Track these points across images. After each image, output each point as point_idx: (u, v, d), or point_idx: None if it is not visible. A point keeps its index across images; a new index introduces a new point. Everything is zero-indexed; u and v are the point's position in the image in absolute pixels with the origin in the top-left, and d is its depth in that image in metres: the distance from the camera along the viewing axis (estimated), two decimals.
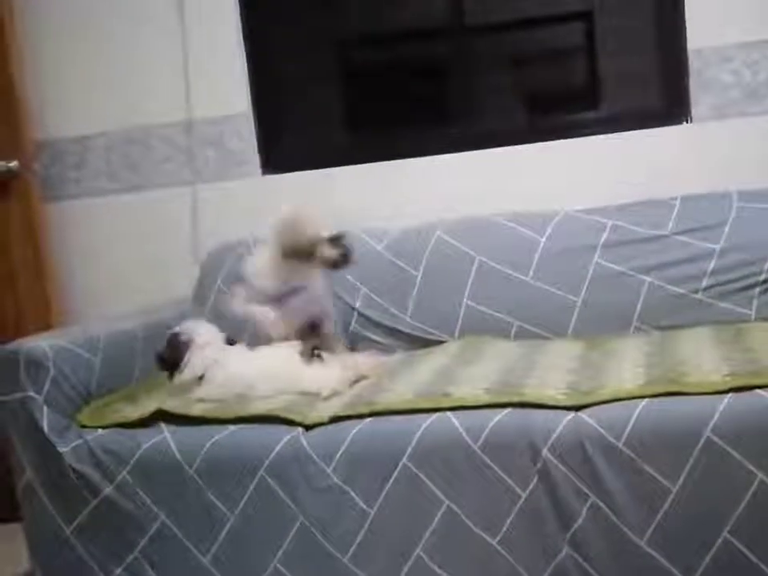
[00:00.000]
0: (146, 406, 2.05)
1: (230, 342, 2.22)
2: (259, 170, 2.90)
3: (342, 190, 2.81)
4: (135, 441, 1.97)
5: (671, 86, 2.68)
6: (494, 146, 2.74)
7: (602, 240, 2.42)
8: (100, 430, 2.02)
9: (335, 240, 2.20)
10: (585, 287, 2.38)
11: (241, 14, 2.87)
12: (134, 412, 2.05)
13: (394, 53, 3.00)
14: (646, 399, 1.74)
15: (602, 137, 2.68)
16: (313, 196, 2.80)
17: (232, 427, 1.94)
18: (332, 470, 1.85)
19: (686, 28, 2.61)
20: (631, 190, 2.55)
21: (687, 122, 2.64)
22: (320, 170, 2.85)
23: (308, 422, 1.90)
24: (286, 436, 1.89)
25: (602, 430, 1.72)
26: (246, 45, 2.87)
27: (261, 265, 2.27)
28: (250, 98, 2.89)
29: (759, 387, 1.70)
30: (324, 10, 2.97)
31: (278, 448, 1.87)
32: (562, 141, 2.71)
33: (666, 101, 2.71)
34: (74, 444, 2.01)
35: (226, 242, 2.74)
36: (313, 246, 2.18)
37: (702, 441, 1.67)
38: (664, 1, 2.67)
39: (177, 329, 2.18)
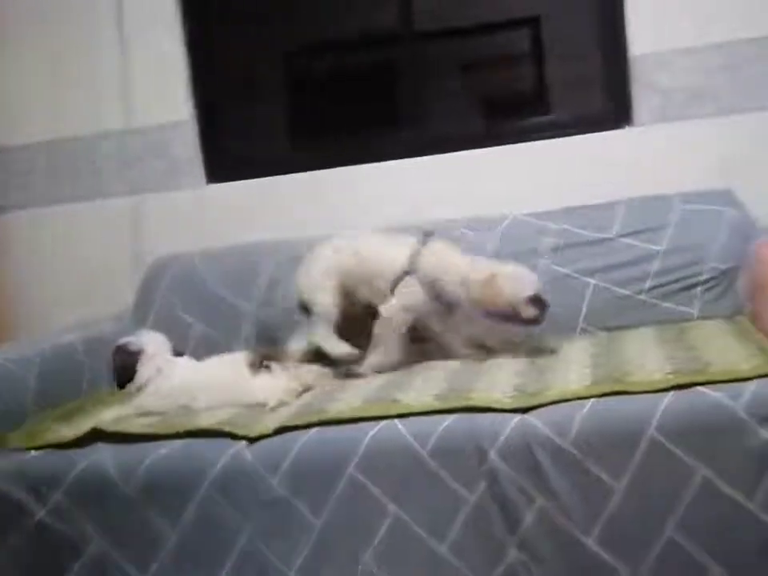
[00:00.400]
0: (83, 425, 1.99)
1: (178, 353, 2.17)
2: (203, 180, 2.87)
3: (291, 198, 2.78)
4: (70, 461, 1.90)
5: (615, 90, 2.71)
6: (444, 152, 2.74)
7: (550, 243, 2.43)
8: (33, 452, 1.95)
9: (534, 299, 2.11)
10: None
11: (182, 22, 2.84)
12: (69, 431, 1.98)
13: (343, 60, 2.99)
14: (592, 399, 1.74)
15: (550, 141, 2.70)
16: (259, 205, 2.77)
17: (173, 443, 1.89)
18: (278, 482, 1.81)
19: (626, 34, 2.63)
20: (578, 194, 2.56)
21: (631, 126, 2.66)
22: (267, 179, 2.81)
23: (253, 434, 1.86)
24: (229, 450, 1.84)
25: (548, 432, 1.71)
26: (188, 53, 2.84)
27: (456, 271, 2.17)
28: (193, 106, 2.85)
29: (701, 384, 1.71)
30: (271, 16, 2.94)
31: (221, 462, 1.83)
32: (511, 145, 2.72)
33: (611, 105, 2.74)
34: (4, 466, 1.93)
35: (169, 253, 2.69)
36: (513, 306, 2.10)
37: (646, 439, 1.67)
38: (606, 7, 2.70)
39: (125, 339, 2.14)
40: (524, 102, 2.92)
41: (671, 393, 1.71)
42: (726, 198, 2.45)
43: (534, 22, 2.88)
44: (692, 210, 2.42)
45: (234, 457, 1.83)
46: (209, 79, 2.89)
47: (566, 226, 2.44)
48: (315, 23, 2.95)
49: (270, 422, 1.89)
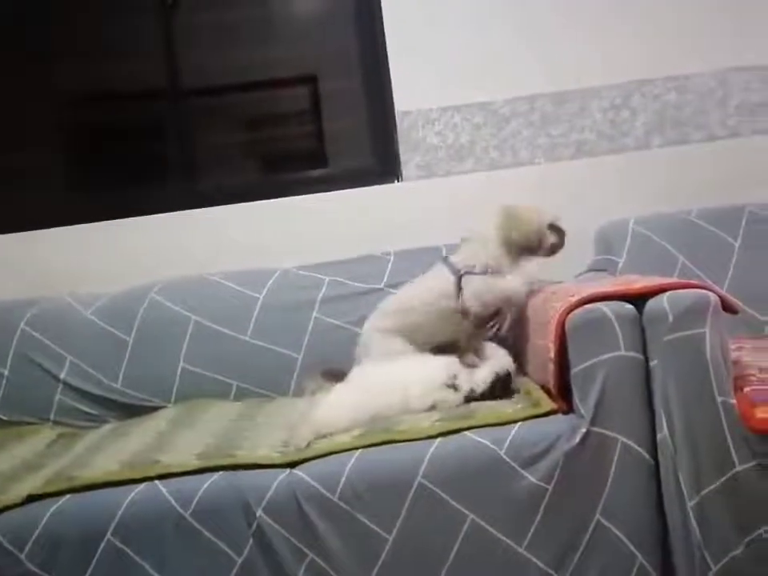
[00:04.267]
0: None
1: None
2: None
3: (49, 253, 2.62)
4: None
5: (383, 146, 2.79)
6: (214, 205, 2.68)
7: (320, 295, 2.44)
8: None
9: (553, 226, 2.18)
10: (305, 343, 2.38)
11: None
12: None
13: (114, 113, 2.88)
14: (360, 450, 1.74)
15: (324, 194, 2.72)
16: (11, 260, 2.58)
17: None
18: (26, 555, 1.66)
19: (392, 91, 2.72)
20: (350, 246, 2.58)
21: (399, 181, 2.75)
22: (21, 233, 2.64)
23: None
24: None
25: (316, 485, 1.69)
26: None
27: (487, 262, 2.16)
28: None
29: (467, 429, 1.74)
30: (36, 65, 2.81)
31: None
32: (286, 198, 2.71)
33: (380, 160, 2.82)
34: None
35: None
36: (540, 236, 2.16)
37: (414, 487, 1.68)
38: (372, 65, 2.78)
39: None
40: (302, 156, 2.95)
41: (438, 439, 1.73)
42: None
43: (311, 81, 2.93)
44: None
45: None
46: None
47: (337, 278, 2.47)
48: (89, 75, 2.84)
49: (20, 491, 1.74)
